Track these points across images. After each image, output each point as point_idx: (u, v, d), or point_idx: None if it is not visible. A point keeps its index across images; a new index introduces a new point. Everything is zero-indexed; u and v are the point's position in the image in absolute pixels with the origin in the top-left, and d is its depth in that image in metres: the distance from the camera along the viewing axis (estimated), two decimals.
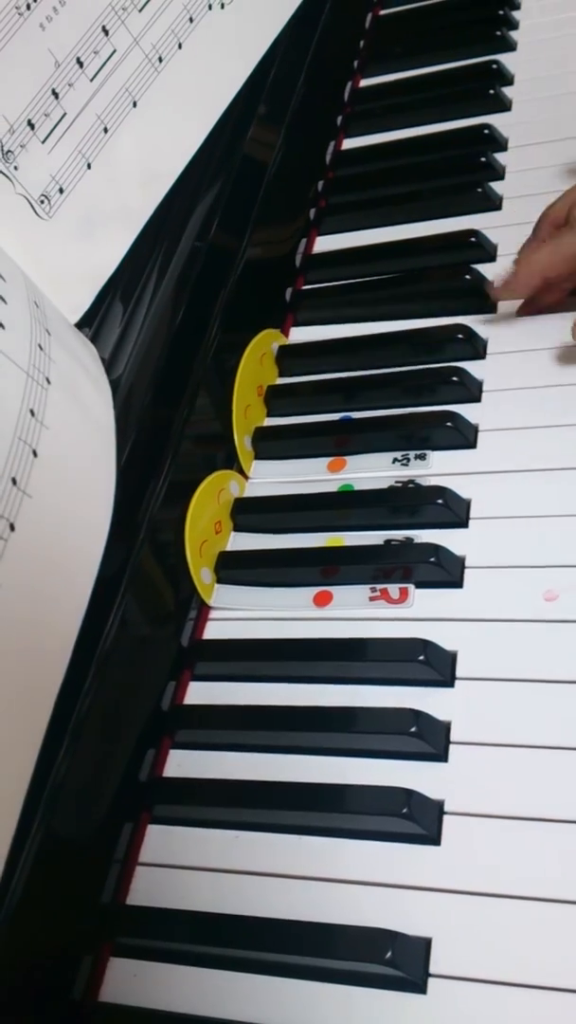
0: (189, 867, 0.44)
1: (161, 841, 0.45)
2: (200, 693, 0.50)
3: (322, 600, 0.51)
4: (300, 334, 0.65)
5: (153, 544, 0.49)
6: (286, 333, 0.65)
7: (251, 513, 0.56)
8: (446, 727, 0.44)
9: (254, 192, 0.62)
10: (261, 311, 0.62)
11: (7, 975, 0.38)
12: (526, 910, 0.38)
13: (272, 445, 0.59)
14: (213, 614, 0.52)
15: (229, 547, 0.55)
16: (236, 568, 0.53)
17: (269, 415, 0.61)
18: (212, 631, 0.52)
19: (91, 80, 0.46)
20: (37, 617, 0.36)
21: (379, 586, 0.50)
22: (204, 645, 0.51)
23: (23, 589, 0.34)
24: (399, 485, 0.54)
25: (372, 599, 0.50)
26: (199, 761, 0.47)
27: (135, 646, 0.47)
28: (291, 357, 0.63)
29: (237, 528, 0.55)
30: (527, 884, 0.39)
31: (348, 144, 0.75)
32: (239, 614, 0.52)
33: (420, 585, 0.49)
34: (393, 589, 0.50)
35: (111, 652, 0.44)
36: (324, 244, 0.69)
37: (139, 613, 0.47)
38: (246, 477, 0.58)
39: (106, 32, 0.47)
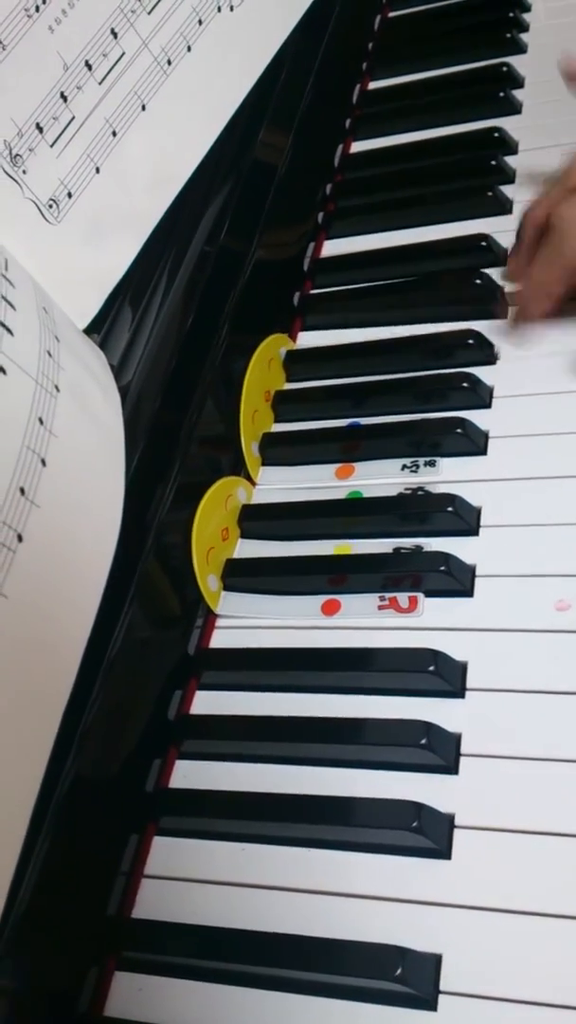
0: (195, 880, 0.43)
1: (167, 853, 0.44)
2: (207, 702, 0.49)
3: (330, 609, 0.50)
4: (308, 339, 0.64)
5: (160, 551, 0.48)
6: (294, 338, 0.64)
7: (258, 520, 0.55)
8: (456, 739, 0.43)
9: (263, 196, 0.61)
10: (269, 316, 0.62)
11: (12, 988, 0.38)
12: (538, 926, 0.38)
13: (280, 451, 0.58)
14: (220, 622, 0.52)
15: (236, 554, 0.54)
16: (243, 575, 0.53)
17: (277, 421, 0.60)
18: (219, 639, 0.51)
19: (100, 83, 0.46)
20: (46, 627, 0.35)
21: (388, 595, 0.49)
22: (211, 654, 0.51)
23: (32, 600, 0.34)
24: (408, 492, 0.53)
25: (381, 608, 0.49)
26: (206, 772, 0.47)
27: (141, 654, 0.47)
28: (299, 362, 0.62)
29: (244, 535, 0.55)
30: (539, 899, 0.38)
31: (357, 147, 0.75)
32: (246, 622, 0.52)
33: (430, 594, 0.49)
34: (402, 598, 0.49)
35: (117, 660, 0.43)
36: (332, 248, 0.69)
37: (145, 621, 0.47)
38: (253, 483, 0.57)
39: (115, 35, 0.47)
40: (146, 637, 0.47)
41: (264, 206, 0.61)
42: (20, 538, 0.34)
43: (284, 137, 0.64)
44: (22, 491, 0.34)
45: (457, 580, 0.48)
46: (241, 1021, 0.39)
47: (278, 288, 0.64)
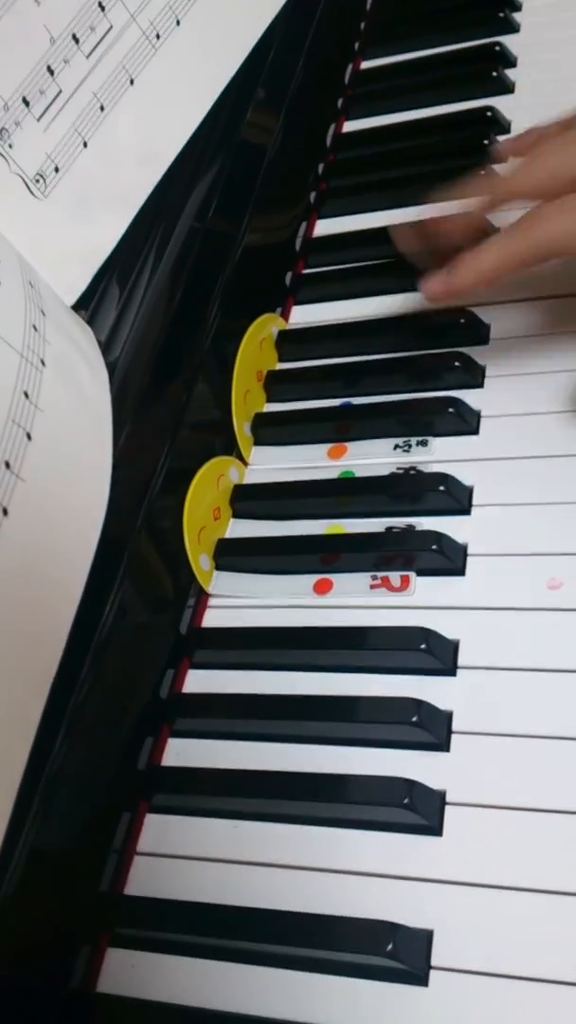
0: (188, 857, 0.43)
1: (159, 831, 0.44)
2: (199, 681, 0.49)
3: (322, 588, 0.50)
4: (300, 318, 0.64)
5: (151, 531, 0.48)
6: (286, 318, 0.64)
7: (250, 500, 0.55)
8: (448, 716, 0.43)
9: (253, 174, 0.61)
10: (261, 295, 0.62)
11: (5, 966, 0.38)
12: (529, 902, 0.38)
13: (272, 431, 0.58)
14: (212, 601, 0.52)
15: (228, 534, 0.54)
16: (235, 555, 0.53)
17: (269, 401, 0.60)
18: (211, 619, 0.51)
19: (87, 57, 0.45)
20: (32, 602, 0.35)
21: (380, 574, 0.49)
22: (203, 633, 0.51)
23: (18, 574, 0.34)
24: (400, 472, 0.53)
25: (373, 587, 0.49)
26: (198, 750, 0.47)
27: (133, 633, 0.46)
28: (291, 342, 0.62)
29: (236, 515, 0.55)
30: (530, 875, 0.38)
31: (349, 127, 0.74)
32: (238, 602, 0.51)
33: (422, 573, 0.49)
34: (394, 577, 0.49)
35: (108, 639, 0.43)
36: (325, 227, 0.68)
37: (137, 600, 0.47)
38: (245, 463, 0.57)
39: (103, 8, 0.46)
40: (138, 616, 0.47)
41: (255, 185, 0.60)
42: (5, 512, 0.34)
43: (275, 116, 0.64)
44: (7, 464, 0.34)
45: (449, 559, 0.48)
46: (234, 996, 0.39)
47: (270, 267, 0.63)
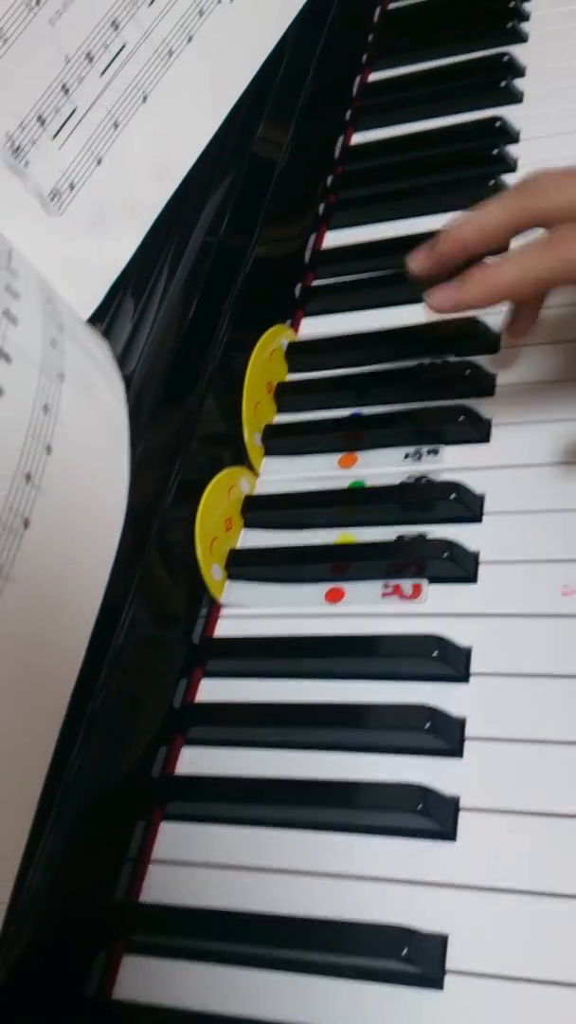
0: (202, 864, 0.44)
1: (174, 838, 0.45)
2: (212, 690, 0.50)
3: (334, 596, 0.51)
4: (310, 330, 0.64)
5: (163, 541, 0.48)
6: (296, 329, 0.64)
7: (262, 510, 0.55)
8: (461, 723, 0.44)
9: (264, 187, 0.61)
10: (270, 307, 0.62)
11: (22, 973, 0.38)
12: (544, 906, 0.38)
13: (282, 442, 0.59)
14: (224, 611, 0.52)
15: (240, 544, 0.55)
16: (247, 565, 0.53)
17: (279, 412, 0.61)
18: (223, 628, 0.52)
19: (101, 75, 0.46)
20: (53, 613, 0.36)
21: (392, 582, 0.50)
22: (215, 642, 0.51)
23: (39, 584, 0.34)
24: (411, 481, 0.54)
25: (385, 595, 0.49)
26: (212, 758, 0.47)
27: (146, 643, 0.47)
28: (301, 353, 0.62)
29: (248, 525, 0.55)
30: (544, 880, 0.39)
31: (357, 138, 0.75)
32: (250, 611, 0.52)
33: (433, 581, 0.49)
34: (406, 585, 0.49)
35: (122, 649, 0.44)
36: (334, 239, 0.69)
37: (150, 610, 0.47)
38: (256, 474, 0.57)
39: (116, 26, 0.47)
40: (151, 626, 0.47)
41: (265, 197, 0.61)
42: (27, 523, 0.34)
43: (284, 128, 0.65)
44: (28, 477, 0.34)
45: (461, 567, 0.48)
46: (249, 1002, 0.39)
47: (279, 279, 0.64)
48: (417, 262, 0.50)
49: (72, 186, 0.45)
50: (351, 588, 0.50)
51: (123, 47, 0.47)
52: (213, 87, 0.53)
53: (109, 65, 0.46)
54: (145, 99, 0.48)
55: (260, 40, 0.57)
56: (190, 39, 0.50)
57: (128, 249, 0.48)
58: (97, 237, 0.46)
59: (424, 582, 0.49)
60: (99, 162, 0.46)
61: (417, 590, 0.49)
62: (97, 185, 0.46)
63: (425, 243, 0.51)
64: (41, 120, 0.44)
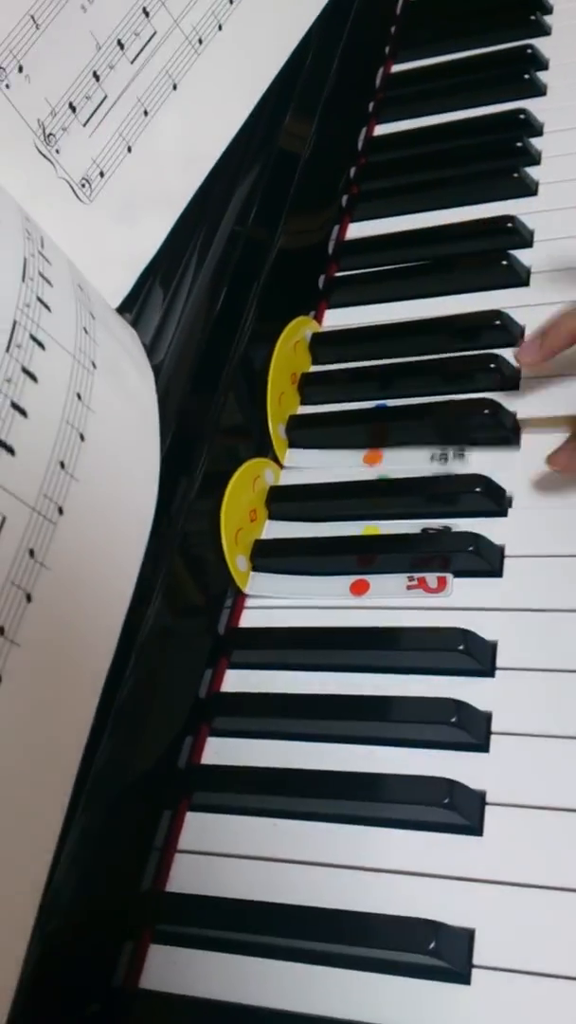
0: (228, 855, 0.44)
1: (200, 829, 0.45)
2: (237, 681, 0.49)
3: (359, 589, 0.50)
4: (333, 321, 0.64)
5: (189, 532, 0.48)
6: (319, 320, 0.64)
7: (286, 501, 0.55)
8: (487, 717, 0.44)
9: (288, 179, 0.61)
10: (294, 298, 0.62)
11: (49, 962, 0.38)
12: (571, 901, 0.38)
13: (307, 433, 0.58)
14: (249, 602, 0.52)
15: (264, 535, 0.54)
16: (272, 556, 0.53)
17: (303, 403, 0.60)
18: (248, 619, 0.52)
19: (132, 62, 0.46)
20: (87, 599, 0.35)
21: (417, 575, 0.49)
22: (240, 633, 0.51)
23: (73, 572, 0.34)
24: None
25: (409, 588, 0.49)
26: (237, 749, 0.47)
27: (172, 634, 0.47)
28: (324, 345, 0.62)
29: (272, 516, 0.55)
30: (571, 875, 0.39)
31: (380, 130, 0.75)
32: (275, 602, 0.52)
33: (459, 574, 0.49)
34: (431, 578, 0.49)
35: (148, 640, 0.44)
36: (357, 231, 0.68)
37: (176, 601, 0.47)
38: (281, 465, 0.57)
39: (147, 14, 0.46)
40: (177, 617, 0.47)
41: (289, 189, 0.61)
42: (61, 511, 0.34)
43: (309, 120, 0.64)
44: (62, 465, 0.34)
45: (486, 560, 0.48)
46: (275, 993, 0.39)
47: (303, 270, 0.64)
48: (529, 356, 0.52)
49: (102, 174, 0.45)
50: (376, 581, 0.50)
51: (154, 34, 0.47)
52: (242, 76, 0.53)
53: (140, 52, 0.46)
54: (175, 87, 0.48)
55: (289, 29, 0.57)
56: (220, 27, 0.50)
57: (157, 238, 0.48)
58: (127, 225, 0.46)
59: (449, 576, 0.49)
60: (129, 150, 0.46)
61: (442, 583, 0.49)
62: (127, 173, 0.46)
63: (531, 336, 0.52)
64: (72, 107, 0.44)
